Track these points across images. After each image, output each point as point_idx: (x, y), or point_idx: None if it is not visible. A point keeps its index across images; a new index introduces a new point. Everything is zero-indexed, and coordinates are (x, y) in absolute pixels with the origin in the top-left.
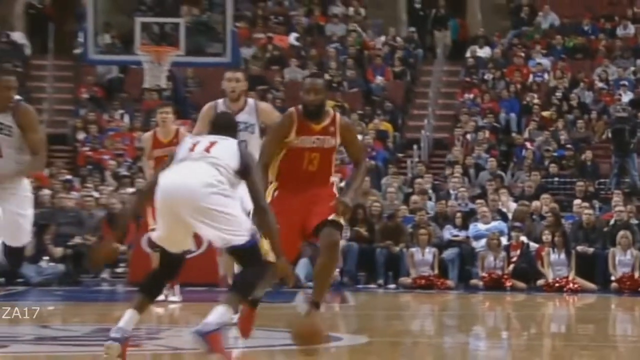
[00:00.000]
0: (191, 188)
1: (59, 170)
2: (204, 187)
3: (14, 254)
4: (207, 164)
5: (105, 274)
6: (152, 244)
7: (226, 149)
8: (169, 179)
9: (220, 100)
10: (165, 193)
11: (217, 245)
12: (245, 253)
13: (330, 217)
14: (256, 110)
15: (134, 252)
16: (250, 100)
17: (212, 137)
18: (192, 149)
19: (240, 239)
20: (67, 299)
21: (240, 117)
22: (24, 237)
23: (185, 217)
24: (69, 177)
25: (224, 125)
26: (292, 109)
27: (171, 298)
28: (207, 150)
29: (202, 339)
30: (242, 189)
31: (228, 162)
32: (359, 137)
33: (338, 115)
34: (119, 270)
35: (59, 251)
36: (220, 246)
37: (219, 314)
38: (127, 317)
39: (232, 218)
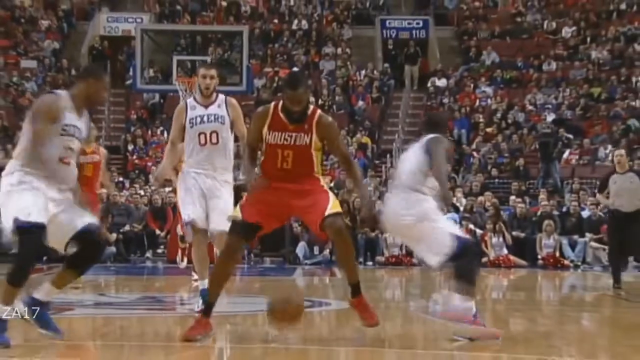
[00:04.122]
0: (392, 221)
1: (112, 174)
2: (401, 217)
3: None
4: (401, 191)
5: (148, 254)
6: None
7: (410, 158)
8: (383, 208)
9: (189, 99)
10: (383, 221)
11: (433, 265)
12: (457, 257)
13: (328, 212)
14: (226, 103)
15: (171, 237)
16: (221, 95)
17: (407, 153)
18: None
19: (446, 251)
20: (118, 273)
21: (211, 110)
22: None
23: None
24: (121, 179)
25: (434, 124)
26: (272, 104)
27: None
28: (398, 175)
29: (442, 317)
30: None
31: (415, 172)
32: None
33: (318, 112)
34: (159, 251)
35: (113, 236)
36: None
37: (461, 299)
38: None
39: (431, 235)
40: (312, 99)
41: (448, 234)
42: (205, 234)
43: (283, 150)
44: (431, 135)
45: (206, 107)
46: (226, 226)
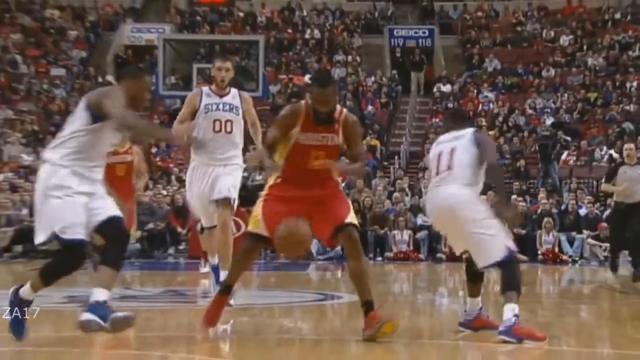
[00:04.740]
0: (444, 213)
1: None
2: (456, 211)
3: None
4: (454, 184)
5: (171, 251)
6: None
7: (459, 151)
8: (433, 199)
9: (205, 87)
10: (434, 213)
11: (479, 266)
12: (503, 266)
13: (348, 220)
14: (240, 96)
15: (192, 235)
16: (233, 89)
17: (451, 144)
18: (439, 165)
19: (495, 258)
20: (143, 268)
21: (226, 100)
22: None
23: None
24: None
25: (464, 118)
26: (302, 102)
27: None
28: (450, 166)
29: (511, 334)
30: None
31: (468, 166)
32: None
33: (344, 111)
34: (181, 247)
35: (137, 234)
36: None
37: (509, 309)
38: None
39: (483, 239)
40: None
41: (500, 243)
42: (211, 228)
43: (315, 151)
44: (473, 129)
45: (221, 96)
46: (227, 194)
